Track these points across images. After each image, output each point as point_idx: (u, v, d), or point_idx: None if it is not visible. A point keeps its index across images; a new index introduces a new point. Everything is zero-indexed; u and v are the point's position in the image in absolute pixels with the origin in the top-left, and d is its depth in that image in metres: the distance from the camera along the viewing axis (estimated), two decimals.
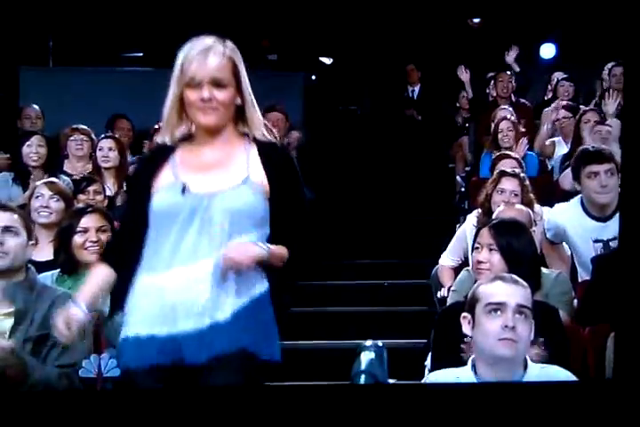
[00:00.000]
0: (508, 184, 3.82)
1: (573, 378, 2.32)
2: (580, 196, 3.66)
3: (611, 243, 3.44)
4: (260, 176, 2.21)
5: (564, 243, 3.71)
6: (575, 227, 3.56)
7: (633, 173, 1.33)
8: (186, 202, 2.16)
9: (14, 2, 6.72)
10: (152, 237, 2.19)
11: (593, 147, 3.74)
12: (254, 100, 2.25)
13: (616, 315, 1.41)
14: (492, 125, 5.38)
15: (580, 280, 3.58)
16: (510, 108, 5.69)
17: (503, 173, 3.90)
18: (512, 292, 2.30)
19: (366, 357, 1.65)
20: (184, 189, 2.16)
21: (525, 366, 2.31)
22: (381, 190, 7.16)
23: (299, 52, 7.50)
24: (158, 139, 2.28)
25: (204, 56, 2.17)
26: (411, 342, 3.71)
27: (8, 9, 6.68)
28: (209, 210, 2.15)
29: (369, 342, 1.71)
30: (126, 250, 2.23)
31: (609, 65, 5.82)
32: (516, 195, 3.78)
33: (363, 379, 1.59)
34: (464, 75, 6.40)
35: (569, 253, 3.71)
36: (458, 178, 6.32)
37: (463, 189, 5.84)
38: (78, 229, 3.14)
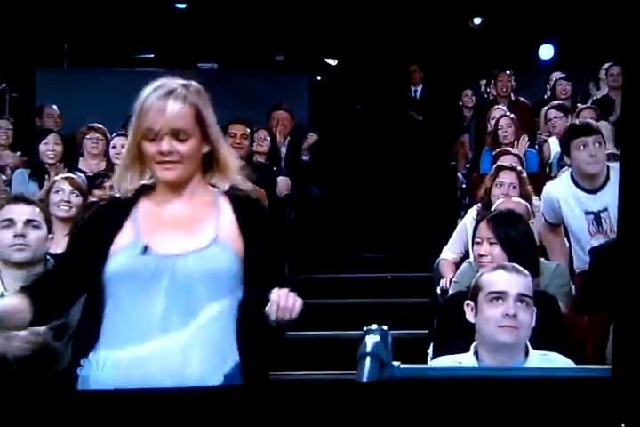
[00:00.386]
0: (506, 177, 3.86)
1: (572, 365, 2.33)
2: (569, 170, 3.66)
3: (601, 214, 3.46)
4: (230, 234, 1.89)
5: (564, 236, 3.70)
6: (567, 200, 3.54)
7: (633, 172, 1.31)
8: (148, 265, 1.85)
9: (30, 5, 6.74)
10: (109, 307, 1.86)
11: (580, 121, 3.75)
12: (226, 146, 1.95)
13: (614, 310, 1.40)
14: (492, 123, 5.39)
15: (576, 265, 3.58)
16: (504, 107, 5.71)
17: (501, 167, 3.95)
18: (513, 281, 2.31)
19: (371, 340, 1.67)
20: (145, 250, 1.85)
21: (526, 353, 2.32)
22: (385, 187, 7.17)
23: (305, 54, 7.51)
24: (110, 189, 2.01)
25: (163, 103, 1.85)
26: (413, 333, 3.72)
27: (25, 12, 6.70)
28: (176, 275, 1.84)
29: (374, 326, 1.73)
30: (81, 326, 1.93)
31: (606, 65, 5.82)
32: (514, 187, 3.82)
33: (368, 360, 1.60)
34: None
35: (567, 245, 3.71)
36: (459, 175, 6.32)
37: (464, 186, 5.84)
38: None
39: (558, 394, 1.51)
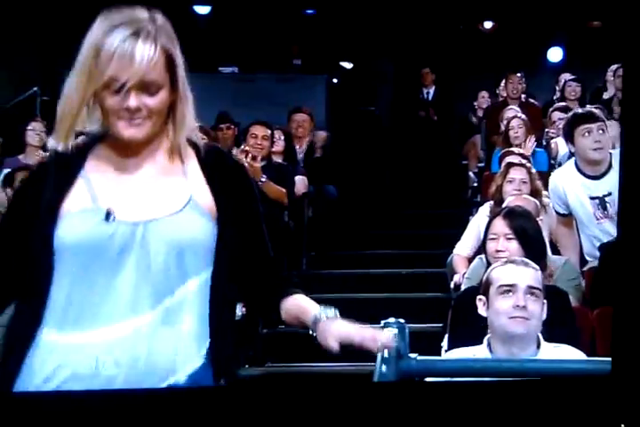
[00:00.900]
0: (517, 173, 3.86)
1: (584, 357, 2.32)
2: (573, 158, 3.65)
3: (606, 198, 3.44)
4: (202, 193, 1.53)
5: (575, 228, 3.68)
6: (572, 186, 3.53)
7: (633, 172, 1.29)
8: (112, 233, 1.47)
9: (59, 12, 6.78)
10: (62, 283, 1.48)
11: (582, 109, 3.75)
12: (190, 97, 1.54)
13: (614, 309, 1.37)
14: (504, 124, 5.37)
15: (585, 251, 3.57)
16: (517, 108, 5.68)
17: (511, 164, 3.97)
18: (522, 274, 2.31)
19: (390, 332, 1.66)
20: (108, 216, 1.48)
21: (538, 345, 2.31)
22: (398, 186, 7.16)
23: (321, 58, 7.50)
24: (51, 142, 1.54)
25: (131, 47, 1.46)
26: (427, 326, 3.71)
27: (54, 18, 6.73)
28: (146, 244, 1.48)
29: (392, 319, 1.73)
30: (18, 307, 1.53)
31: (613, 67, 5.78)
32: (524, 182, 3.83)
33: (386, 353, 1.60)
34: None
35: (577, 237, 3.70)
36: (470, 174, 6.31)
37: (476, 184, 5.82)
38: None
39: (557, 393, 1.48)
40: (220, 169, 1.57)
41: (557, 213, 3.63)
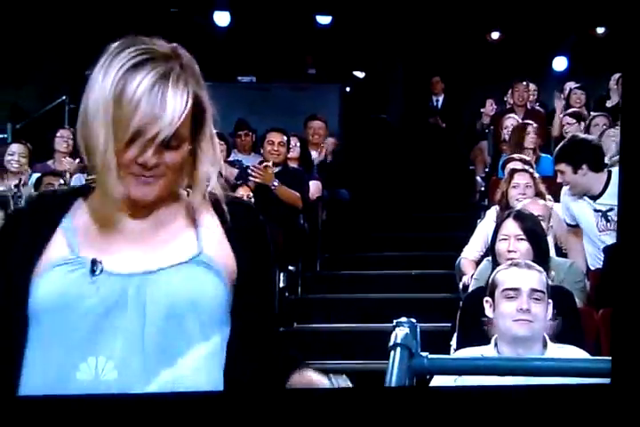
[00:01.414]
0: (521, 178, 3.85)
1: (588, 356, 2.30)
2: None
3: (609, 213, 3.45)
4: (218, 248, 1.23)
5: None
6: (576, 200, 3.55)
7: (633, 172, 1.25)
8: (98, 288, 1.16)
9: (87, 24, 6.83)
10: (35, 352, 1.18)
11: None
12: (216, 146, 1.24)
13: (613, 316, 1.33)
14: (504, 132, 5.39)
15: (589, 261, 3.58)
16: (516, 116, 5.68)
17: (515, 170, 3.96)
18: (526, 277, 2.30)
19: (401, 331, 1.66)
20: (95, 267, 1.17)
21: (545, 345, 2.30)
22: (408, 190, 7.15)
23: (335, 67, 7.51)
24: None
25: (161, 94, 1.15)
26: (436, 326, 3.71)
27: (82, 30, 6.79)
28: (141, 301, 1.17)
29: (404, 319, 1.73)
30: None
31: (615, 75, 5.76)
32: (529, 186, 3.82)
33: (399, 351, 1.60)
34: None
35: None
36: (478, 178, 6.29)
37: (483, 188, 5.81)
38: None
39: (557, 402, 1.41)
40: (243, 226, 1.25)
41: (567, 223, 3.65)
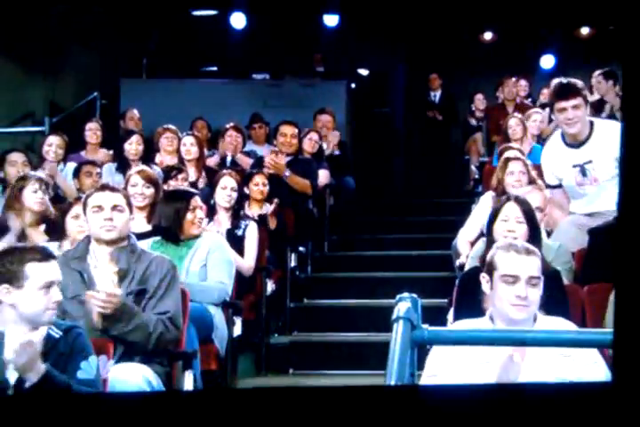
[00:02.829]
0: (515, 166, 3.79)
1: (575, 328, 2.26)
2: (559, 129, 3.49)
3: (586, 166, 3.30)
4: None
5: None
6: (558, 155, 3.39)
7: (633, 172, 1.17)
8: None
9: (116, 29, 6.78)
10: None
11: (561, 81, 3.34)
12: None
13: (616, 317, 1.21)
14: (505, 122, 5.32)
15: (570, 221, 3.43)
16: (519, 115, 5.59)
17: (509, 159, 3.88)
18: (525, 264, 2.21)
19: (404, 305, 1.62)
20: None
21: (535, 319, 2.26)
22: (408, 178, 7.10)
23: (342, 65, 7.45)
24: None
25: None
26: (435, 302, 3.69)
27: (111, 34, 6.74)
28: None
29: (406, 294, 1.68)
30: None
31: (596, 73, 5.68)
32: (523, 173, 3.76)
33: (401, 323, 1.57)
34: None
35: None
36: (472, 167, 6.24)
37: (477, 176, 5.76)
38: (190, 208, 3.17)
39: (558, 403, 1.34)
40: None
41: (549, 185, 3.48)
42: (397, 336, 1.57)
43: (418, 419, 1.37)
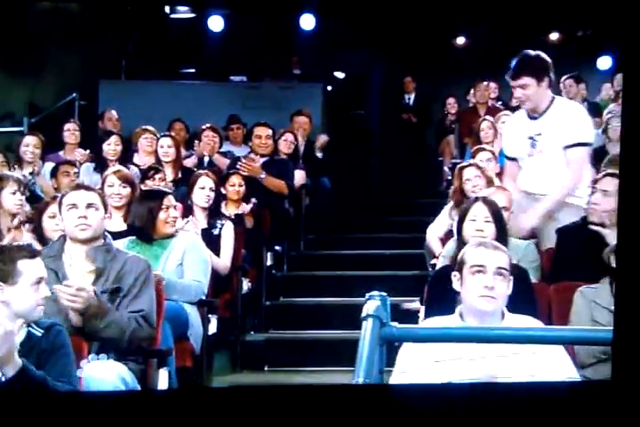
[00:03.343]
0: (469, 172, 3.77)
1: (542, 325, 2.27)
2: None
3: (535, 137, 3.31)
4: None
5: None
6: (518, 125, 3.40)
7: (632, 173, 1.15)
8: None
9: (95, 30, 6.70)
10: None
11: (516, 58, 3.32)
12: None
13: (616, 318, 1.19)
14: (476, 125, 5.34)
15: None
16: (491, 118, 5.62)
17: (462, 167, 3.86)
18: (492, 256, 2.24)
19: (373, 304, 1.62)
20: None
21: (503, 316, 2.27)
22: (383, 178, 7.11)
23: (318, 68, 7.44)
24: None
25: None
26: (407, 299, 3.69)
27: (90, 35, 6.66)
28: None
29: (375, 293, 1.69)
30: None
31: (562, 78, 5.76)
32: (479, 177, 3.74)
33: (370, 321, 1.56)
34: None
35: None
36: (445, 168, 6.27)
37: (450, 177, 5.77)
38: (162, 207, 3.14)
39: (557, 400, 1.34)
40: None
41: (507, 156, 3.49)
42: (366, 334, 1.56)
43: (392, 417, 1.35)
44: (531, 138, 3.33)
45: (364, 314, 1.62)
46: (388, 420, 1.34)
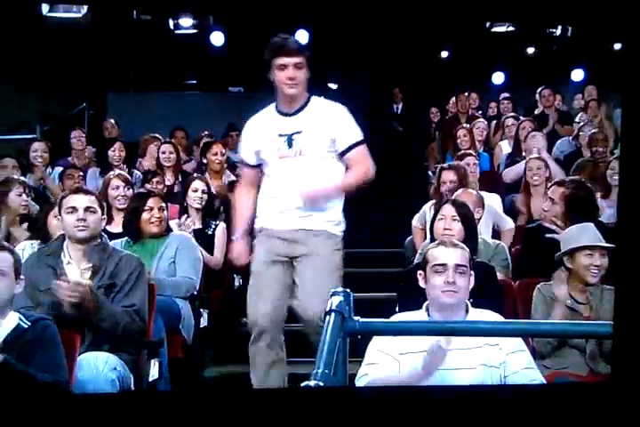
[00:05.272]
0: (446, 176, 3.72)
1: (502, 319, 2.26)
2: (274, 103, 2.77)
3: (294, 136, 2.65)
4: None
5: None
6: (265, 123, 2.72)
7: (632, 173, 1.08)
8: None
9: (105, 47, 6.72)
10: None
11: (282, 38, 2.68)
12: None
13: (616, 318, 1.13)
14: (455, 132, 5.33)
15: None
16: (468, 125, 5.62)
17: (442, 169, 3.82)
18: (451, 254, 2.24)
19: (336, 299, 1.61)
20: None
21: (467, 311, 2.26)
22: (373, 181, 7.07)
23: (312, 80, 7.44)
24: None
25: None
26: (387, 295, 3.67)
27: (100, 51, 6.68)
28: None
29: (340, 289, 1.67)
30: None
31: (539, 89, 5.75)
32: (453, 182, 3.67)
33: (333, 315, 1.56)
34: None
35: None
36: (429, 173, 6.27)
37: (433, 181, 5.76)
38: (145, 208, 3.13)
39: (556, 400, 1.27)
40: None
41: (244, 163, 2.80)
42: (328, 327, 1.55)
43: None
44: (286, 136, 2.66)
45: (327, 309, 1.61)
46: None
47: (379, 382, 2.05)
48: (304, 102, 2.73)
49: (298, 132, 2.67)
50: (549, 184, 3.18)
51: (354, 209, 6.42)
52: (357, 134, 2.78)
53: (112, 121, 5.76)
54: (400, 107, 7.40)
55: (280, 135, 2.68)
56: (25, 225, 3.35)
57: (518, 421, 1.27)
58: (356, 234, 5.48)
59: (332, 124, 2.71)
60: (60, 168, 4.68)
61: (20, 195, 3.38)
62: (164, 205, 3.20)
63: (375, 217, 5.87)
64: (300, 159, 2.68)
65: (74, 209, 2.61)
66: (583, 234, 2.58)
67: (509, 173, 4.66)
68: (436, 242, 2.35)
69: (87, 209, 2.61)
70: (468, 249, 2.31)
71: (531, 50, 7.30)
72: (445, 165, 3.93)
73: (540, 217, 3.37)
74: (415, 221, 3.96)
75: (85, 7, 5.58)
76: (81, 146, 5.05)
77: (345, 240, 5.37)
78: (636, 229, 1.08)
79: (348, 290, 1.69)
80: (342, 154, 2.74)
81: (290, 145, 2.67)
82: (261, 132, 2.73)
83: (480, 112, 6.42)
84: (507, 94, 6.33)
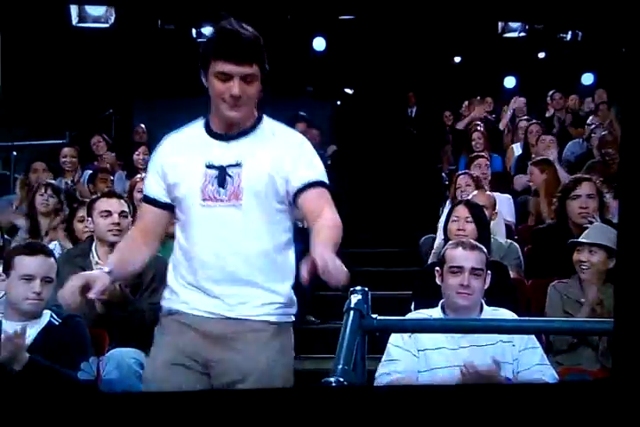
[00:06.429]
0: (461, 180, 3.76)
1: (515, 317, 2.25)
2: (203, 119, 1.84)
3: (230, 169, 1.70)
4: None
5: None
6: (188, 146, 1.79)
7: (632, 174, 1.09)
8: None
9: (132, 55, 6.79)
10: None
11: (229, 26, 1.71)
12: None
13: (616, 319, 1.14)
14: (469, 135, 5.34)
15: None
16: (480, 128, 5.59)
17: (458, 174, 3.86)
18: (469, 257, 2.24)
19: (355, 298, 1.62)
20: None
21: (481, 309, 2.25)
22: (388, 183, 7.08)
23: (329, 85, 7.47)
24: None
25: None
26: (403, 294, 3.66)
27: (127, 59, 6.75)
28: None
29: (358, 288, 1.68)
30: None
31: (550, 92, 5.73)
32: (468, 185, 3.72)
33: (352, 313, 1.56)
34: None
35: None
36: (443, 174, 6.27)
37: (447, 183, 5.77)
38: None
39: (556, 398, 1.25)
40: None
41: (151, 200, 1.79)
42: (348, 325, 1.55)
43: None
44: (218, 168, 1.71)
45: (345, 307, 1.62)
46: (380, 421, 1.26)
47: (399, 377, 2.05)
48: (251, 125, 1.75)
49: (235, 165, 1.70)
50: (568, 182, 3.17)
51: (371, 210, 6.47)
52: (320, 174, 1.73)
53: (143, 126, 5.84)
54: (414, 110, 7.38)
55: (209, 166, 1.71)
56: (62, 227, 3.42)
57: (531, 417, 1.25)
58: (373, 234, 5.52)
59: (286, 157, 1.70)
60: (89, 171, 4.74)
61: (42, 195, 3.51)
62: None
63: (392, 218, 5.86)
64: (235, 208, 1.69)
65: (109, 213, 2.66)
66: (589, 231, 2.58)
67: (519, 182, 4.66)
68: (455, 242, 2.34)
69: (121, 213, 2.66)
70: (485, 250, 2.30)
71: (542, 54, 7.26)
72: (460, 171, 3.98)
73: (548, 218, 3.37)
74: (440, 223, 3.95)
75: (113, 18, 5.64)
76: (102, 150, 5.12)
77: (360, 240, 5.44)
78: (636, 229, 1.08)
79: (367, 289, 1.69)
80: (295, 195, 1.68)
81: (222, 183, 1.69)
82: (182, 157, 1.74)
83: (493, 116, 6.40)
84: (517, 98, 6.29)
